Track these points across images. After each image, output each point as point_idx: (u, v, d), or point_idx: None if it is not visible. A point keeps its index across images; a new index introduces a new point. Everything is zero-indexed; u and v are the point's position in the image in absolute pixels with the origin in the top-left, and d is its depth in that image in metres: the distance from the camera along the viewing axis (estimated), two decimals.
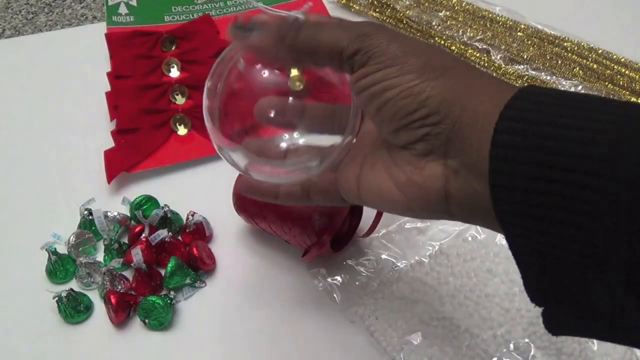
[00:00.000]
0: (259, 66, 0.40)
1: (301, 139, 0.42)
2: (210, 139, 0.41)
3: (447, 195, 0.33)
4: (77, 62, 0.77)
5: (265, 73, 0.41)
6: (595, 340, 0.51)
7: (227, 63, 0.40)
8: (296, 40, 0.35)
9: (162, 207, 0.59)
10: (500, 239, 0.57)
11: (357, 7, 0.82)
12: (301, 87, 0.72)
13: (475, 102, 0.31)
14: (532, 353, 0.50)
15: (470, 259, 0.55)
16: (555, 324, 0.31)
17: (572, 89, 0.70)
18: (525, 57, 0.74)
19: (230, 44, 0.40)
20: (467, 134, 0.31)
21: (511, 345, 0.51)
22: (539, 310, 0.52)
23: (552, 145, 0.27)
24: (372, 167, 0.37)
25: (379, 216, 0.55)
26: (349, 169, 0.38)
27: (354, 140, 0.39)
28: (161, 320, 0.53)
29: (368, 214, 0.57)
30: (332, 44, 0.34)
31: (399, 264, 0.56)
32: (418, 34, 0.78)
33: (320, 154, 0.40)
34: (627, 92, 0.70)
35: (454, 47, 0.76)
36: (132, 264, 0.55)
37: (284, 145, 0.42)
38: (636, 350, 0.50)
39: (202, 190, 0.64)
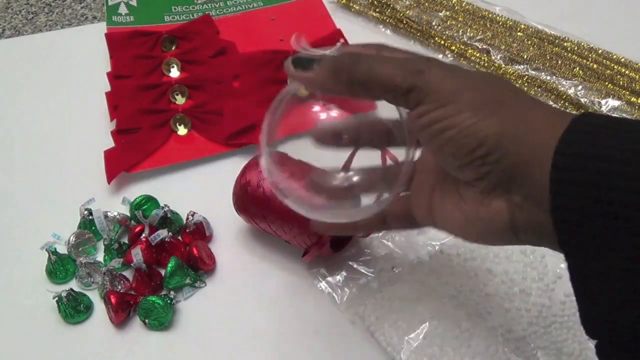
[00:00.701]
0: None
1: (359, 175, 0.44)
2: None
3: (514, 228, 0.34)
4: (77, 62, 0.77)
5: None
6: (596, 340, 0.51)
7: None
8: (352, 75, 0.35)
9: (162, 207, 0.59)
10: None
11: (357, 7, 0.82)
12: (306, 93, 0.73)
13: (532, 136, 0.31)
14: (532, 353, 0.50)
15: (470, 258, 0.55)
16: (609, 357, 0.31)
17: (572, 89, 0.70)
18: (525, 57, 0.74)
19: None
20: (527, 170, 0.31)
21: (512, 345, 0.51)
22: (538, 309, 0.52)
23: (606, 183, 0.28)
24: (442, 199, 0.38)
25: None
26: (420, 198, 0.39)
27: (414, 161, 0.40)
28: (161, 320, 0.53)
29: None
30: (387, 80, 0.34)
31: (399, 264, 0.56)
32: (418, 34, 0.78)
33: (387, 185, 0.41)
34: (627, 92, 0.70)
35: (454, 47, 0.76)
36: (132, 264, 0.55)
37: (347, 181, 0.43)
38: None
39: (202, 190, 0.64)
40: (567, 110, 0.33)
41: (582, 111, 0.32)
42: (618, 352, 0.30)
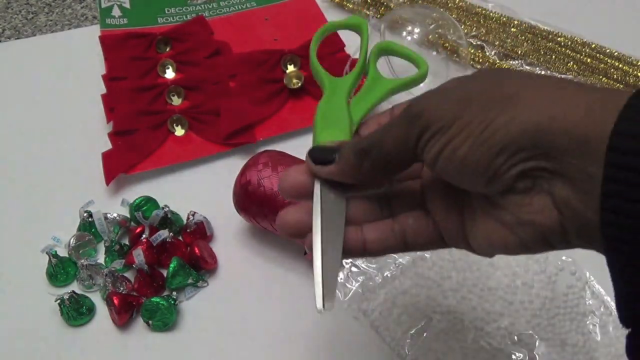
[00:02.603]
0: None
1: None
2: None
3: (562, 227, 0.30)
4: (74, 65, 0.77)
5: None
6: (598, 331, 0.51)
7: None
8: (371, 161, 0.33)
9: (163, 208, 0.58)
10: None
11: (350, 6, 0.82)
12: (299, 84, 0.73)
13: (565, 123, 0.28)
14: (536, 344, 0.51)
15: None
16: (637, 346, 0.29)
17: None
18: (519, 52, 0.74)
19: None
20: (570, 161, 0.28)
21: (515, 337, 0.51)
22: (542, 302, 0.52)
23: None
24: (473, 218, 0.33)
25: None
26: (448, 222, 0.35)
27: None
28: (165, 321, 0.53)
29: None
30: (400, 149, 0.32)
31: (401, 259, 0.56)
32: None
33: None
34: (621, 86, 0.70)
35: (447, 45, 0.76)
36: (134, 265, 0.54)
37: None
38: None
39: (201, 190, 0.64)
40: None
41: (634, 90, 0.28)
42: None
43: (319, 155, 0.36)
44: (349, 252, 0.36)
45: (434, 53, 0.74)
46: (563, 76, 0.72)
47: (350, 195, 0.37)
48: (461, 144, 0.30)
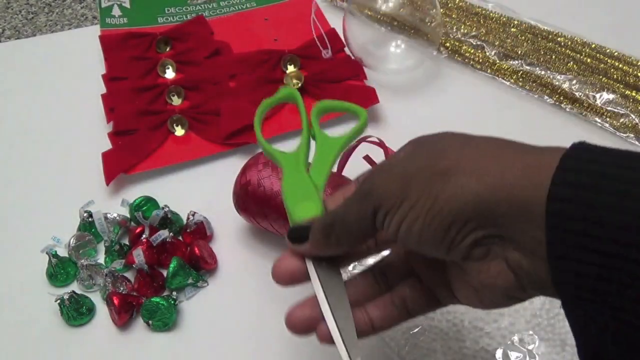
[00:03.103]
0: None
1: None
2: None
3: (522, 286, 0.31)
4: (74, 65, 0.77)
5: None
6: None
7: None
8: (336, 235, 0.36)
9: (163, 208, 0.58)
10: None
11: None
12: (299, 84, 0.73)
13: (504, 190, 0.29)
14: (536, 345, 0.51)
15: None
16: None
17: (567, 83, 0.71)
18: (519, 52, 0.74)
19: None
20: (515, 226, 0.29)
21: (515, 338, 0.51)
22: (541, 302, 0.52)
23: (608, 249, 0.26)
24: (453, 279, 0.36)
25: None
26: (438, 284, 0.37)
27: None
28: (165, 321, 0.53)
29: None
30: (360, 224, 0.34)
31: None
32: (412, 31, 0.78)
33: None
34: (621, 85, 0.70)
35: (448, 44, 0.76)
36: (134, 265, 0.54)
37: None
38: None
39: (200, 190, 0.64)
40: (537, 145, 0.30)
41: (557, 146, 0.29)
42: None
43: (295, 234, 0.38)
44: (361, 334, 0.38)
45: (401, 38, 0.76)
46: (563, 76, 0.72)
47: (344, 269, 0.39)
48: (413, 222, 0.31)
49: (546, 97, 0.71)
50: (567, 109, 0.70)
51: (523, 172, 0.29)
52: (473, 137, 0.33)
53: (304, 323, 0.38)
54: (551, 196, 0.27)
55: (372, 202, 0.33)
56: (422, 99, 0.73)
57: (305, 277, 0.39)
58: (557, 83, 0.71)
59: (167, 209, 0.58)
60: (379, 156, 0.56)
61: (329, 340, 0.37)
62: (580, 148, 0.28)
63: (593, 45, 0.74)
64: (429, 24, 0.75)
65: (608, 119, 0.68)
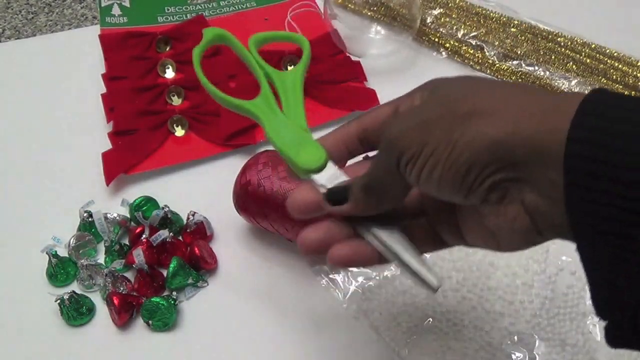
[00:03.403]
0: None
1: None
2: None
3: (538, 229, 0.32)
4: (74, 65, 0.77)
5: None
6: (598, 331, 0.51)
7: None
8: (376, 194, 0.36)
9: (163, 208, 0.58)
10: None
11: (352, 6, 0.82)
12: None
13: (522, 134, 0.29)
14: (536, 344, 0.51)
15: (472, 252, 0.55)
16: (618, 336, 0.30)
17: (566, 84, 0.71)
18: (519, 52, 0.74)
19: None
20: (533, 169, 0.29)
21: (515, 337, 0.51)
22: (541, 302, 0.52)
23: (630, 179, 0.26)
24: (464, 221, 0.37)
25: None
26: (444, 224, 0.38)
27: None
28: (165, 321, 0.53)
29: None
30: (391, 177, 0.35)
31: None
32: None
33: None
34: (621, 86, 0.71)
35: (448, 45, 0.76)
36: (134, 265, 0.54)
37: None
38: None
39: (200, 191, 0.64)
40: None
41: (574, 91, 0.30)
42: (628, 334, 0.30)
43: (334, 197, 0.38)
44: (368, 262, 0.39)
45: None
46: (563, 77, 0.72)
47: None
48: (434, 167, 0.32)
49: None
50: None
51: (542, 115, 0.29)
52: (492, 82, 0.34)
53: (317, 244, 0.38)
54: (570, 138, 0.27)
55: (395, 152, 0.33)
56: None
57: (319, 209, 0.38)
58: (556, 83, 0.71)
59: (167, 209, 0.58)
60: None
61: (340, 262, 0.38)
62: (600, 94, 0.29)
63: (593, 46, 0.74)
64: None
65: None
